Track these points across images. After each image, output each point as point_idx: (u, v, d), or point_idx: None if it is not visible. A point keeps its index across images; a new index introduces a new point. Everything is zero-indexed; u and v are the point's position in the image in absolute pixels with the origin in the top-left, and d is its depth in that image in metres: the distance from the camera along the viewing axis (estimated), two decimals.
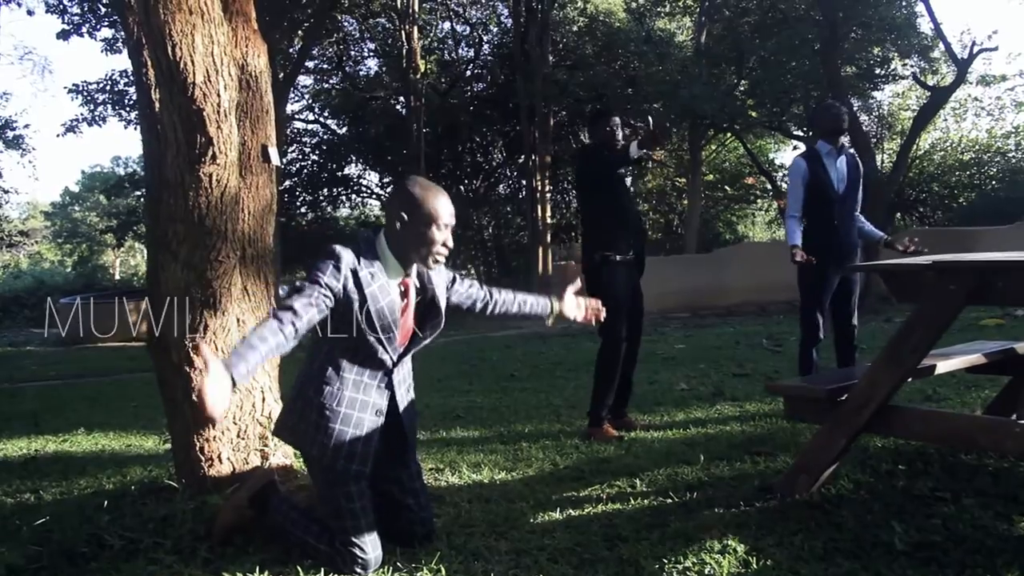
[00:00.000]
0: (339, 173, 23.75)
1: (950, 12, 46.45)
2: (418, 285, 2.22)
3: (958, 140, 20.93)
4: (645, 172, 23.86)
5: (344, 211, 26.94)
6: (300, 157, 22.99)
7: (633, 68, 18.06)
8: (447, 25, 22.81)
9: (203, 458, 2.65)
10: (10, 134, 19.85)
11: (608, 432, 3.67)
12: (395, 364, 2.18)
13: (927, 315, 2.25)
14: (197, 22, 2.31)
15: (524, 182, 21.44)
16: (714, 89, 15.34)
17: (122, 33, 15.27)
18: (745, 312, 12.70)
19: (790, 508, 2.38)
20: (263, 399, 2.81)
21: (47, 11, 15.28)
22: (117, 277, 33.42)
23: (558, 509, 2.53)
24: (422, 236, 2.08)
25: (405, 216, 2.10)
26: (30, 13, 16.33)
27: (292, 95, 20.36)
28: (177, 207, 2.52)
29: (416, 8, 18.50)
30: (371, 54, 22.56)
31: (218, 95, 2.41)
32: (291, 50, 17.73)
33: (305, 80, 22.20)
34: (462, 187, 23.19)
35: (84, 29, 15.22)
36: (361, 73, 23.11)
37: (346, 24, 20.65)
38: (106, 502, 2.68)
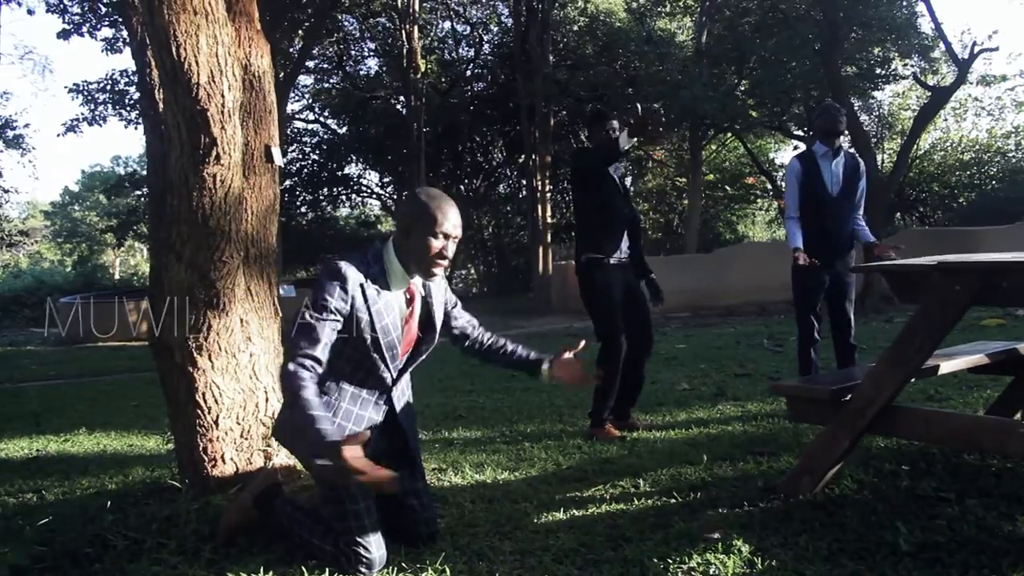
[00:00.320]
0: (339, 173, 23.80)
1: (950, 12, 46.46)
2: (423, 293, 2.23)
3: (958, 140, 20.96)
4: (645, 172, 23.89)
5: (344, 211, 26.99)
6: (300, 157, 23.03)
7: (634, 68, 18.07)
8: (447, 25, 22.86)
9: (206, 458, 2.65)
10: (10, 133, 19.86)
11: (610, 432, 3.66)
12: (394, 382, 2.19)
13: (931, 316, 2.25)
14: (201, 22, 2.31)
15: (524, 182, 21.47)
16: (715, 89, 15.35)
17: (123, 33, 15.31)
18: (746, 312, 12.70)
19: (794, 508, 2.38)
20: (266, 399, 2.81)
21: (47, 11, 15.29)
22: (117, 277, 33.42)
23: (562, 509, 2.53)
24: (421, 243, 2.08)
25: (408, 223, 2.10)
26: (30, 12, 16.30)
27: (292, 95, 20.39)
28: (181, 207, 2.52)
29: (416, 8, 18.51)
30: (371, 54, 22.61)
31: (222, 95, 2.41)
32: (291, 50, 17.75)
33: (305, 80, 22.26)
34: (462, 187, 23.22)
35: (84, 29, 15.22)
36: (361, 73, 23.17)
37: (346, 24, 20.67)
38: (109, 502, 2.68)
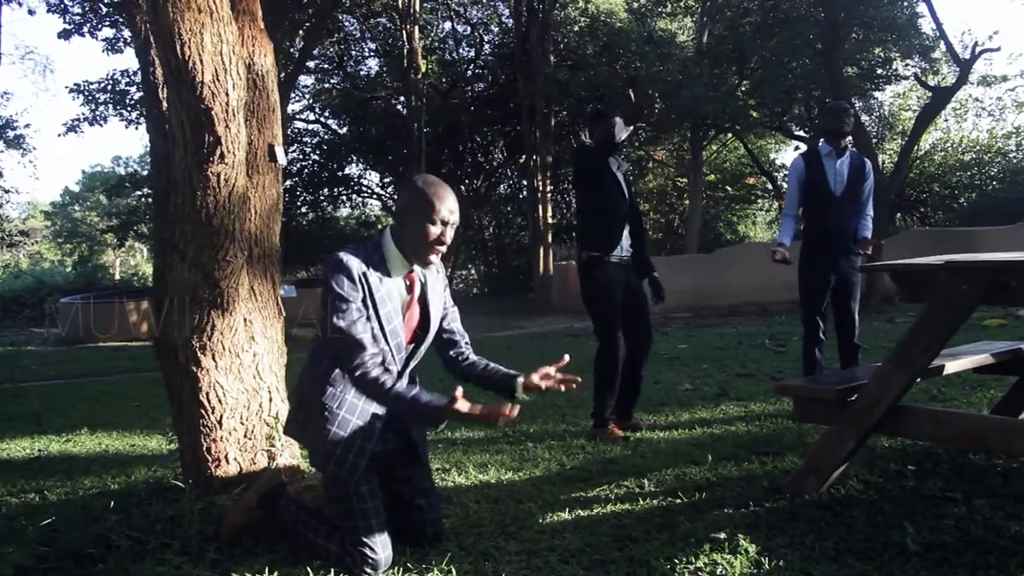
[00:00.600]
0: (340, 173, 23.77)
1: (950, 12, 46.48)
2: (423, 280, 2.21)
3: (959, 140, 20.95)
4: (646, 172, 23.89)
5: (344, 211, 26.97)
6: (301, 157, 23.00)
7: (634, 68, 18.04)
8: (448, 25, 22.84)
9: (210, 458, 2.64)
10: (11, 134, 19.84)
11: (613, 432, 3.66)
12: (400, 374, 2.17)
13: (938, 315, 2.24)
14: (206, 20, 2.30)
15: (525, 182, 21.44)
16: (716, 89, 15.33)
17: (123, 33, 15.31)
18: (746, 312, 12.69)
19: (800, 508, 2.38)
20: (270, 399, 2.80)
21: (48, 11, 15.27)
22: (117, 277, 33.37)
23: (566, 510, 2.52)
24: (419, 229, 2.07)
25: (406, 208, 2.10)
26: (31, 13, 16.30)
27: (293, 95, 20.36)
28: (185, 207, 2.51)
29: (417, 8, 18.48)
30: (372, 54, 22.59)
31: (227, 94, 2.40)
32: (292, 50, 17.73)
33: (306, 80, 22.22)
34: (463, 187, 23.19)
35: (85, 29, 15.19)
36: (362, 73, 23.15)
37: (347, 24, 20.65)
38: (112, 502, 2.68)
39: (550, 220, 19.47)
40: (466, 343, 2.35)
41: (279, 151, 3.05)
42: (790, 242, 4.13)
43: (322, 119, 24.22)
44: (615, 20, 19.26)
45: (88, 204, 40.88)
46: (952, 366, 2.77)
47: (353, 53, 22.44)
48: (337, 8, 17.52)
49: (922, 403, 3.89)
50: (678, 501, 2.56)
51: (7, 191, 21.88)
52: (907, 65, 16.05)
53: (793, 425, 3.56)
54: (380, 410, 2.16)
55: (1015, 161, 19.90)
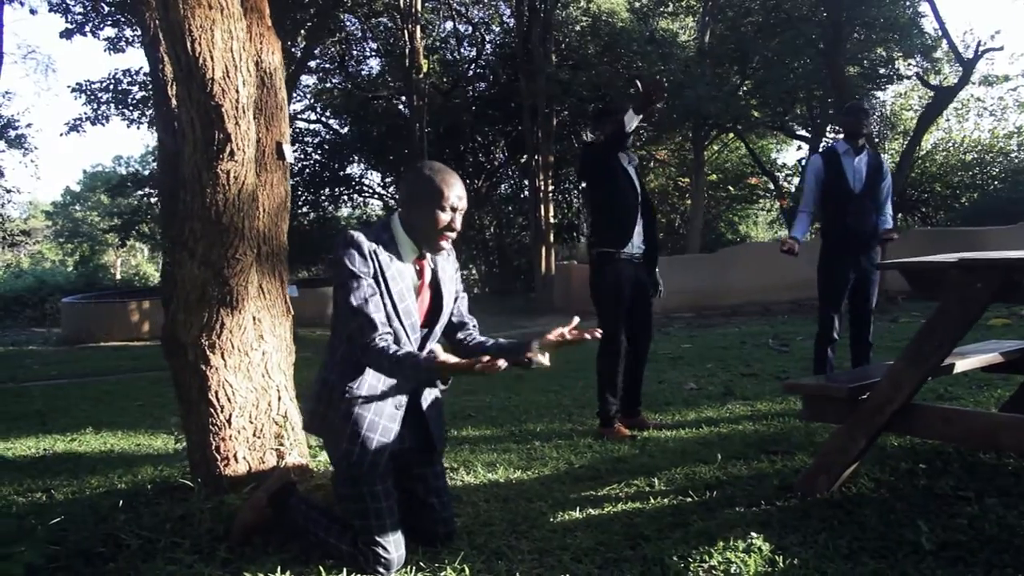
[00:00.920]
0: (341, 173, 23.75)
1: (952, 12, 46.48)
2: (433, 267, 2.19)
3: (960, 140, 20.92)
4: (648, 172, 23.87)
5: (346, 211, 26.94)
6: (302, 157, 22.96)
7: (636, 68, 18.01)
8: (449, 25, 22.80)
9: (219, 457, 2.63)
10: (12, 133, 19.80)
11: (620, 431, 3.65)
12: None
13: (951, 313, 2.23)
14: (216, 17, 2.30)
15: (526, 182, 21.40)
16: (718, 89, 15.32)
17: (125, 32, 15.31)
18: (749, 312, 12.67)
19: (812, 507, 2.37)
20: (279, 398, 2.79)
21: (50, 10, 15.24)
22: (118, 277, 33.35)
23: (577, 508, 2.51)
24: (428, 217, 2.05)
25: (414, 195, 2.08)
26: (33, 12, 16.28)
27: (294, 95, 20.32)
28: (194, 204, 2.50)
29: (418, 7, 18.46)
30: (373, 54, 22.54)
31: (236, 91, 2.40)
32: (294, 49, 17.69)
33: (307, 80, 22.17)
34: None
35: (87, 28, 15.17)
36: (363, 73, 23.10)
37: (348, 23, 20.62)
38: (120, 501, 2.66)
39: (551, 220, 19.45)
40: (474, 325, 2.33)
41: (287, 149, 3.05)
42: (802, 237, 4.15)
43: (323, 119, 24.21)
44: (617, 20, 19.23)
45: (89, 204, 40.85)
46: (962, 365, 2.77)
47: (354, 53, 22.41)
48: (339, 8, 17.50)
49: (930, 402, 3.89)
50: (689, 500, 2.55)
51: (8, 191, 21.82)
52: (909, 65, 16.06)
53: (801, 424, 3.55)
54: (400, 406, 2.13)
55: (1017, 161, 19.87)
